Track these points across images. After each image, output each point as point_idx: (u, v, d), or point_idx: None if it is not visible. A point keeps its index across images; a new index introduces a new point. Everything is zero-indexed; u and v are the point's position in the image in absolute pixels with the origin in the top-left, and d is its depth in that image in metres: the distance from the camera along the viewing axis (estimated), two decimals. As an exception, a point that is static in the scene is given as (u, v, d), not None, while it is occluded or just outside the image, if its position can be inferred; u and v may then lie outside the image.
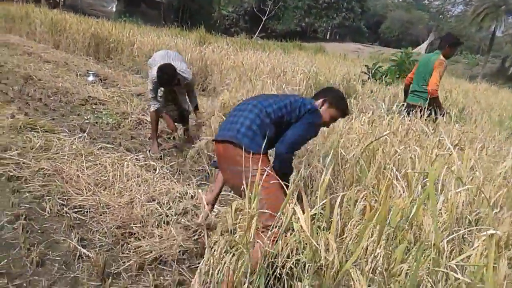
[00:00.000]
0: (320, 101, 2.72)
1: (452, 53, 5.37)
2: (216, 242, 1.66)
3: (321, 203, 1.73)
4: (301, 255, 1.62)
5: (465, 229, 1.87)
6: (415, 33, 62.08)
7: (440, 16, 64.91)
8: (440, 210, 1.98)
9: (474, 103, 8.80)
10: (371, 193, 2.24)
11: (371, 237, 1.73)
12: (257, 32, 31.07)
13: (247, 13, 45.74)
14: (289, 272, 1.66)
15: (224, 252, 1.61)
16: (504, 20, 39.20)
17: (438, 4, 65.91)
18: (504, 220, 2.03)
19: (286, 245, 1.71)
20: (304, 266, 1.63)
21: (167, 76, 4.41)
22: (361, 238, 1.53)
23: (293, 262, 1.63)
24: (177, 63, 4.64)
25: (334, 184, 3.40)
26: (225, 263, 1.57)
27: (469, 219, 2.07)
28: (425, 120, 4.43)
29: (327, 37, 56.83)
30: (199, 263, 2.69)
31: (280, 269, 1.66)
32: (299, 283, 1.59)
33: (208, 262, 1.63)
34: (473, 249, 1.66)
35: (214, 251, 1.62)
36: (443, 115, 5.11)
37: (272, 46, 18.04)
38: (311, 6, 47.65)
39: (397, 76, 9.71)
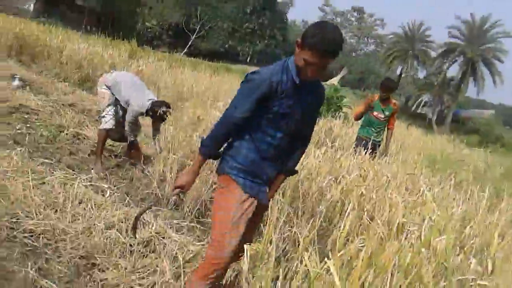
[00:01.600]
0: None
1: (382, 94, 5.83)
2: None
3: (340, 253, 1.76)
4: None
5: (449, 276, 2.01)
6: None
7: (352, 53, 69.39)
8: (428, 257, 2.11)
9: (394, 141, 9.47)
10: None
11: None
12: (185, 49, 30.84)
13: (171, 28, 45.37)
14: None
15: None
16: (409, 62, 43.10)
17: (352, 41, 70.44)
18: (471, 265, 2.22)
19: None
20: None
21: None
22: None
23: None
24: (149, 93, 4.66)
25: (294, 219, 3.45)
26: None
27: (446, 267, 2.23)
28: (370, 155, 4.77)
29: (248, 61, 57.90)
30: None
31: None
32: None
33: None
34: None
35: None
36: None
37: (200, 65, 18.02)
38: (235, 29, 48.49)
39: (327, 110, 10.20)
